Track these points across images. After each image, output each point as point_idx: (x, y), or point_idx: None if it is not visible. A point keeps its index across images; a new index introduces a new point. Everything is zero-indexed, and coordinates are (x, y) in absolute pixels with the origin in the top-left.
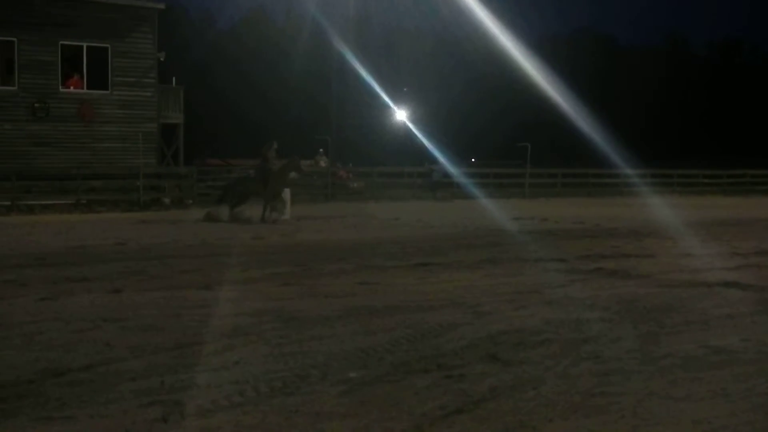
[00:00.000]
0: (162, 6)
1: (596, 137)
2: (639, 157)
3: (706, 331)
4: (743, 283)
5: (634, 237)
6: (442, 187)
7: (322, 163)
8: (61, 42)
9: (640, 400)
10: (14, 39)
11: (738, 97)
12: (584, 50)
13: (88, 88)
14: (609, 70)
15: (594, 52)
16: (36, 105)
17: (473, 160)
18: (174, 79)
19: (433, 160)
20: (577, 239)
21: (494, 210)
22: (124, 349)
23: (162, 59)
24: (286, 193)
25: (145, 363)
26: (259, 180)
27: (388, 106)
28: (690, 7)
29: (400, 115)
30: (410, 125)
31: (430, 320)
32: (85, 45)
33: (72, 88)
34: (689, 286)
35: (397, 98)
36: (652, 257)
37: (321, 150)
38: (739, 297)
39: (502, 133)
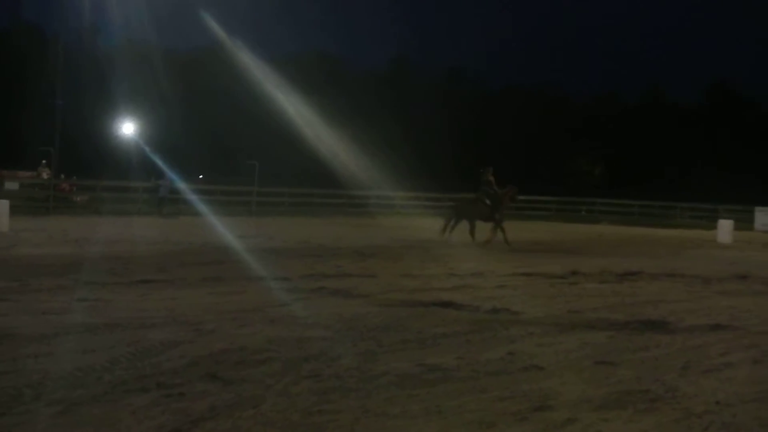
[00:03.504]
0: None
1: (328, 158)
2: (370, 179)
3: (422, 350)
4: (459, 303)
5: (357, 257)
6: (168, 202)
7: (45, 175)
8: None
9: (357, 417)
10: None
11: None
12: (317, 72)
13: None
14: (339, 92)
15: (329, 74)
16: None
17: (201, 176)
18: None
19: (160, 175)
20: (301, 258)
21: (220, 228)
22: None
23: None
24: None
25: None
26: (489, 204)
27: (117, 119)
28: (416, 33)
29: (128, 128)
30: (138, 140)
31: (151, 338)
32: None
33: None
34: (408, 306)
35: (127, 112)
36: (374, 277)
37: (44, 161)
38: (455, 317)
39: (234, 151)
